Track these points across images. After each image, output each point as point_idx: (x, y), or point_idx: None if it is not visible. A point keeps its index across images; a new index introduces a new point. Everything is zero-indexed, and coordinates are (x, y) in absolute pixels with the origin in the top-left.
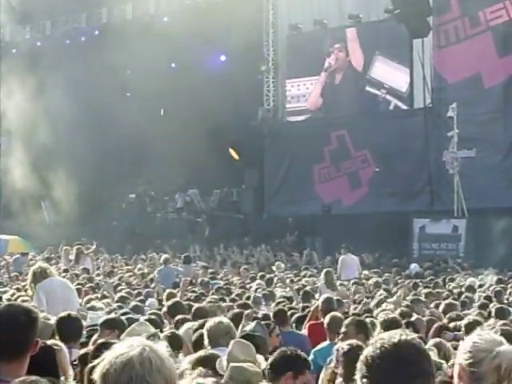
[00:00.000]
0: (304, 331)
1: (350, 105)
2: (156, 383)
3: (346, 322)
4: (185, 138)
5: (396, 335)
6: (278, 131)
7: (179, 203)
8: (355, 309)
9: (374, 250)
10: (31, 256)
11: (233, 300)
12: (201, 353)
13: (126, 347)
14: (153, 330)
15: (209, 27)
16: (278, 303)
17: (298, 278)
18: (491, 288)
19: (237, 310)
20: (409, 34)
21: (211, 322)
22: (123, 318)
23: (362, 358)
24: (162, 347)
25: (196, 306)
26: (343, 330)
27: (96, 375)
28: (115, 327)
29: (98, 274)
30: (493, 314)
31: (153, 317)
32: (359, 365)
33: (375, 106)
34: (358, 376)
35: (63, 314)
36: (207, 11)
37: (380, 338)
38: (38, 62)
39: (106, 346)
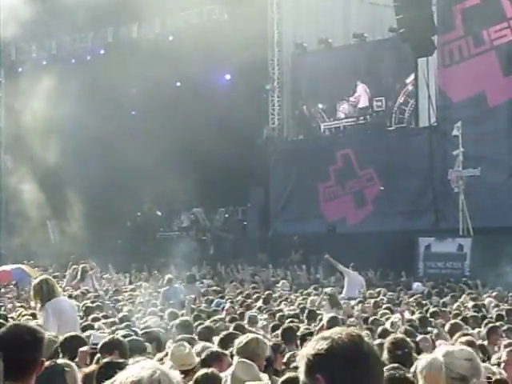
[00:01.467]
0: None
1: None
2: None
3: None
4: (190, 157)
5: (343, 333)
6: (283, 150)
7: (185, 222)
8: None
9: (378, 269)
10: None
11: (233, 319)
12: (203, 371)
13: (138, 369)
14: (188, 349)
15: (214, 46)
16: (283, 321)
17: (303, 296)
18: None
19: (226, 332)
20: (413, 53)
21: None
22: (123, 337)
23: (306, 354)
24: (175, 372)
25: (205, 324)
26: None
27: None
28: (115, 349)
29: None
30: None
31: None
32: (303, 360)
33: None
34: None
35: (69, 334)
36: (212, 30)
37: (325, 336)
38: (43, 80)
39: (110, 366)
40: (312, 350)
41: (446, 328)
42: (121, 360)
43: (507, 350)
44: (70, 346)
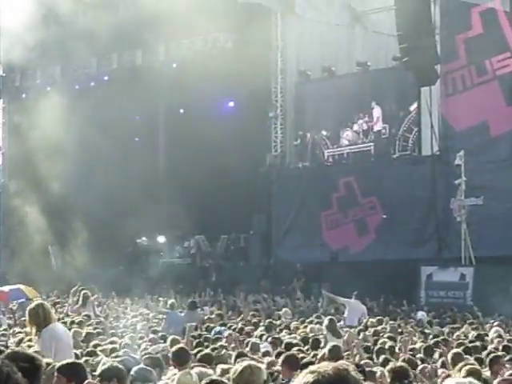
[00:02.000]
0: None
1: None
2: None
3: None
4: (192, 184)
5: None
6: (286, 177)
7: (193, 248)
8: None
9: (380, 298)
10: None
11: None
12: None
13: None
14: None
15: (217, 73)
16: (288, 349)
17: (304, 324)
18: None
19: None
20: (416, 81)
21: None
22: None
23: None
24: None
25: (203, 352)
26: None
27: None
28: (114, 376)
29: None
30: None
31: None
32: None
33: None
34: None
35: (69, 360)
36: (216, 58)
37: (312, 370)
38: (47, 106)
39: None
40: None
41: (449, 357)
42: None
43: (498, 380)
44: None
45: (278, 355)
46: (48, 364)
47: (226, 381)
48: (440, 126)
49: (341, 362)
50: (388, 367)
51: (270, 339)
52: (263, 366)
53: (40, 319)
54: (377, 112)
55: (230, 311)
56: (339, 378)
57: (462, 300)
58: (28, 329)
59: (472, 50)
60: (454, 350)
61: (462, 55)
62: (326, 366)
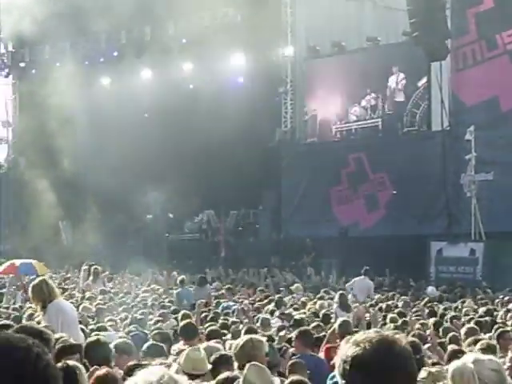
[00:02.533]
0: (321, 354)
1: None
2: None
3: None
4: (202, 159)
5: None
6: (296, 153)
7: (203, 225)
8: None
9: (390, 273)
10: (49, 276)
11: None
12: (224, 375)
13: (146, 374)
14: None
15: (227, 49)
16: (300, 324)
17: (313, 300)
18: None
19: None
20: (427, 56)
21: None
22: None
23: (344, 355)
24: (183, 378)
25: (212, 327)
26: None
27: None
28: (122, 352)
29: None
30: None
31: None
32: (340, 362)
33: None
34: (337, 373)
35: (93, 338)
36: (225, 33)
37: (358, 340)
38: (56, 82)
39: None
40: (343, 355)
41: (462, 332)
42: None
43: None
44: (92, 352)
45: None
46: (57, 339)
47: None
48: (450, 101)
49: (389, 332)
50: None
51: (278, 314)
52: (264, 340)
53: (45, 295)
54: (397, 78)
55: (240, 287)
56: (385, 350)
57: (472, 275)
58: (33, 305)
59: (483, 25)
60: (468, 325)
61: (473, 30)
62: (371, 337)
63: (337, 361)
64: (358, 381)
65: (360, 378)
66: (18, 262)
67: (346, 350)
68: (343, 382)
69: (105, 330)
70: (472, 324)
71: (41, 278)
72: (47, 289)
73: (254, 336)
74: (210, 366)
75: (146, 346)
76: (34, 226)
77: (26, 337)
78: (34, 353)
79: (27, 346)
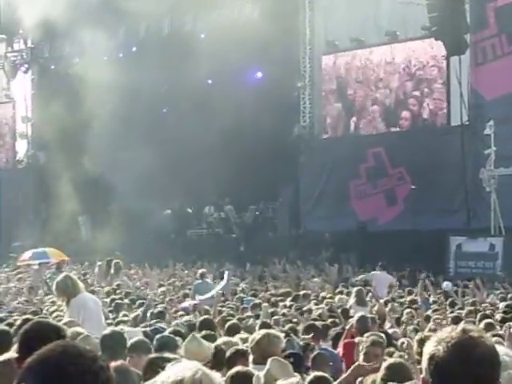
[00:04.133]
0: (339, 349)
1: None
2: None
3: None
4: (220, 155)
5: (467, 333)
6: (314, 148)
7: (222, 220)
8: None
9: (409, 268)
10: (68, 268)
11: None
12: (237, 369)
13: (180, 368)
14: (200, 344)
15: (245, 44)
16: (315, 319)
17: (330, 295)
18: None
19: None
20: (446, 51)
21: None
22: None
23: (428, 353)
24: (217, 374)
25: (231, 321)
26: None
27: None
28: (139, 350)
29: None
30: None
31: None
32: (425, 360)
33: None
34: (423, 371)
35: (108, 330)
36: (244, 28)
37: (441, 338)
38: (75, 77)
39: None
40: (427, 352)
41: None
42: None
43: None
44: (107, 343)
45: (307, 327)
46: (79, 333)
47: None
48: (469, 96)
49: (468, 326)
50: (417, 337)
51: (296, 309)
52: (282, 335)
53: (69, 289)
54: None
55: (258, 281)
56: (466, 352)
57: (492, 270)
58: (57, 300)
59: (503, 19)
60: (486, 321)
61: (493, 24)
62: (453, 334)
63: (423, 356)
64: (438, 381)
65: (438, 377)
66: (29, 253)
67: (429, 346)
68: (430, 379)
69: (123, 323)
70: (491, 320)
71: (65, 274)
72: (72, 283)
73: (270, 331)
74: (210, 354)
75: (158, 336)
76: (53, 222)
77: (94, 350)
78: (99, 365)
79: (93, 357)
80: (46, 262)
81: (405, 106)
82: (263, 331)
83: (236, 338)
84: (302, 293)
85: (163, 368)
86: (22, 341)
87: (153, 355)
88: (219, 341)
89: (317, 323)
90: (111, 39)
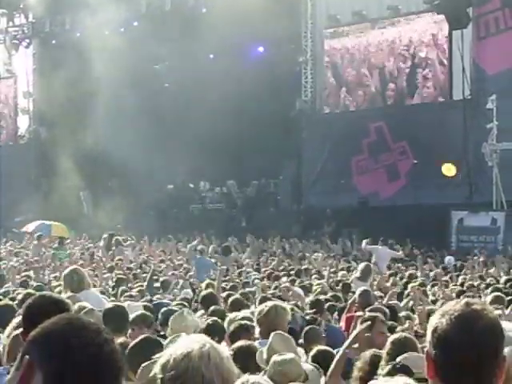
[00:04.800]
0: (342, 324)
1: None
2: (212, 378)
3: None
4: (222, 130)
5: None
6: (316, 123)
7: (224, 195)
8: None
9: (411, 242)
10: (69, 241)
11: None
12: (240, 343)
13: (187, 341)
14: (196, 320)
15: (247, 18)
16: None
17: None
18: None
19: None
20: (448, 25)
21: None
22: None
23: (431, 325)
24: (225, 348)
25: (234, 297)
26: None
27: (157, 365)
28: (141, 323)
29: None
30: None
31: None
32: (429, 333)
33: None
34: (427, 344)
35: (110, 304)
36: (245, 2)
37: (445, 310)
38: (77, 52)
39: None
40: (431, 325)
41: (488, 300)
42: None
43: None
44: (109, 319)
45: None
46: (82, 307)
47: (254, 324)
48: (471, 70)
49: (471, 300)
50: (418, 311)
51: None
52: (288, 308)
53: (74, 284)
54: None
55: (261, 256)
56: (471, 318)
57: (493, 244)
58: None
59: None
60: (495, 294)
61: None
62: (456, 306)
63: (428, 330)
64: (440, 353)
65: (441, 349)
66: (34, 223)
67: (433, 319)
68: (433, 351)
69: (126, 297)
70: (498, 293)
71: (72, 268)
72: (77, 278)
73: (278, 303)
74: (199, 328)
75: (163, 310)
76: (54, 197)
77: (98, 323)
78: (103, 337)
79: (97, 330)
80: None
81: (406, 80)
82: (270, 303)
83: (243, 313)
84: (303, 267)
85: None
86: (26, 315)
87: (144, 335)
88: (231, 316)
89: (321, 297)
90: (113, 14)
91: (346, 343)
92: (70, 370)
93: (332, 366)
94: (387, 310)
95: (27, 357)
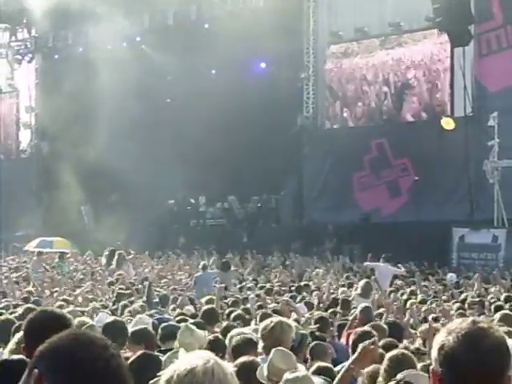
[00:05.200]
0: (342, 340)
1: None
2: None
3: None
4: (224, 145)
5: (478, 325)
6: (318, 138)
7: (225, 211)
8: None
9: (412, 259)
10: (69, 255)
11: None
12: (243, 359)
13: (191, 358)
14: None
15: (249, 34)
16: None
17: (334, 286)
18: None
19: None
20: (450, 42)
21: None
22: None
23: (438, 343)
24: (228, 364)
25: (236, 312)
26: None
27: (161, 381)
28: (142, 340)
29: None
30: None
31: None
32: (435, 351)
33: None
34: (433, 362)
35: (110, 319)
36: (248, 18)
37: (450, 329)
38: (79, 67)
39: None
40: (437, 343)
41: (496, 318)
42: (154, 353)
43: None
44: (108, 333)
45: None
46: (84, 323)
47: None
48: (473, 87)
49: (478, 318)
50: (420, 329)
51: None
52: (293, 325)
53: None
54: None
55: (261, 272)
56: (477, 337)
57: (495, 262)
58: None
59: (508, 10)
60: (504, 312)
61: (498, 15)
62: (463, 324)
63: (433, 347)
64: (447, 371)
65: (448, 367)
66: (36, 240)
67: (439, 337)
68: (440, 369)
69: (122, 314)
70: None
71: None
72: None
73: (283, 319)
74: (204, 343)
75: (163, 325)
76: (55, 211)
77: (105, 338)
78: (110, 352)
79: (104, 345)
80: (45, 251)
81: (408, 97)
82: (276, 319)
83: (247, 329)
84: (302, 283)
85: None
86: (27, 330)
87: (141, 352)
88: (233, 332)
89: (324, 314)
90: (115, 28)
91: (351, 359)
92: (77, 383)
93: (336, 381)
94: (386, 327)
95: (36, 370)
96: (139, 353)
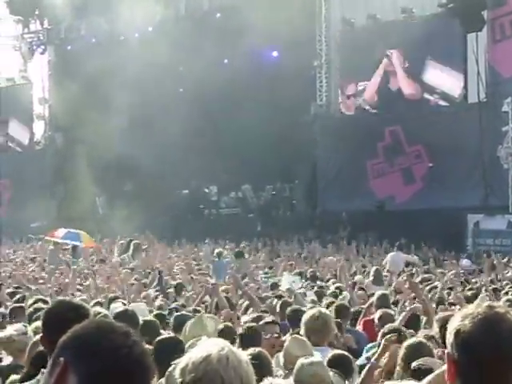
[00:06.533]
0: (359, 327)
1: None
2: (231, 381)
3: None
4: (237, 134)
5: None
6: (331, 126)
7: (239, 199)
8: None
9: (427, 246)
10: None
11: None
12: (251, 350)
13: (207, 345)
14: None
15: (261, 23)
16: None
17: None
18: None
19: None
20: (463, 28)
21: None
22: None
23: (453, 328)
24: (243, 352)
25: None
26: None
27: (177, 369)
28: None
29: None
30: None
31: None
32: (451, 336)
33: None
34: (448, 347)
35: (120, 309)
36: (260, 7)
37: (466, 313)
38: (92, 58)
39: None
40: (452, 328)
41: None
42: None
43: None
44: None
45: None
46: (98, 313)
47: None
48: (487, 73)
49: (493, 303)
50: (437, 317)
51: (315, 288)
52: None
53: None
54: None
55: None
56: (494, 321)
57: (510, 247)
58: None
59: None
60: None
61: (511, 0)
62: (479, 309)
63: (448, 331)
64: (464, 355)
65: (464, 351)
66: (63, 230)
67: (454, 321)
68: (456, 354)
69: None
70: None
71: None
72: None
73: (322, 309)
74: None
75: (176, 315)
76: (70, 203)
77: (127, 326)
78: (132, 339)
79: (126, 332)
80: (74, 244)
81: (421, 83)
82: (315, 309)
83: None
84: (317, 271)
85: None
86: (46, 320)
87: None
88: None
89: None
90: (127, 19)
91: (376, 355)
92: (102, 370)
93: (362, 377)
94: (404, 329)
95: (62, 359)
96: (162, 337)
